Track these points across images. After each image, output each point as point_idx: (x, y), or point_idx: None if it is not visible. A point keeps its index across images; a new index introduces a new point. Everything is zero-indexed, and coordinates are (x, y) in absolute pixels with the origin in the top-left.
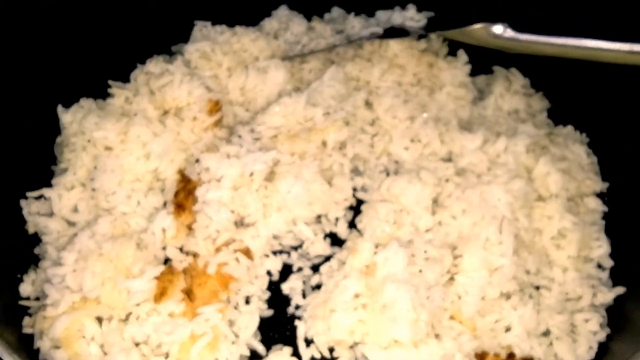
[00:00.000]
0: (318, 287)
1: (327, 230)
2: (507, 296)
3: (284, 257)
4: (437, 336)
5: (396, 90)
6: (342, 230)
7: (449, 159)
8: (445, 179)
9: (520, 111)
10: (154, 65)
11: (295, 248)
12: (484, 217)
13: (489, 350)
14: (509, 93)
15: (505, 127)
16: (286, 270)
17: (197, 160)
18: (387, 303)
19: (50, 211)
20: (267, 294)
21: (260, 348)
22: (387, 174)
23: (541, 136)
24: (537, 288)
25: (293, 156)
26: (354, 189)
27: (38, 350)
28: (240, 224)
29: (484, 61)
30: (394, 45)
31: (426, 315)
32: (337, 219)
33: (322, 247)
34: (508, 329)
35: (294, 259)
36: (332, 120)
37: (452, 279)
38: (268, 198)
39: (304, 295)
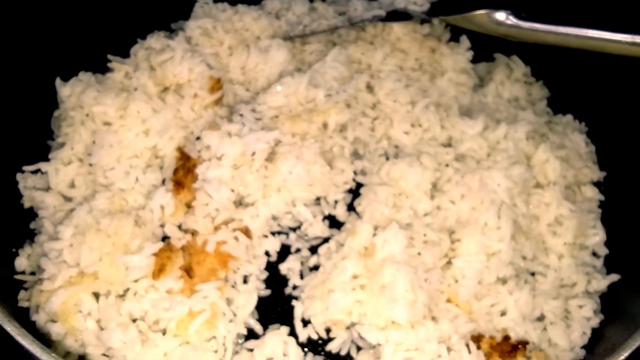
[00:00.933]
0: (316, 268)
1: (326, 213)
2: (503, 281)
3: (283, 237)
4: (433, 318)
5: (398, 74)
6: (341, 212)
7: (449, 144)
8: (445, 164)
9: (520, 99)
10: (155, 40)
11: (294, 229)
12: (483, 201)
13: (484, 333)
14: (510, 81)
15: (506, 115)
16: (284, 251)
17: (198, 138)
18: (386, 284)
19: (46, 186)
20: (265, 274)
21: (258, 327)
22: (387, 158)
23: (541, 124)
24: (533, 274)
25: (294, 137)
26: (354, 173)
27: (34, 323)
28: (239, 203)
29: (486, 48)
30: (397, 29)
31: (424, 297)
32: (336, 202)
33: (320, 229)
34: (503, 313)
35: (293, 240)
36: (334, 102)
37: (449, 262)
38: (268, 178)
39: (301, 276)
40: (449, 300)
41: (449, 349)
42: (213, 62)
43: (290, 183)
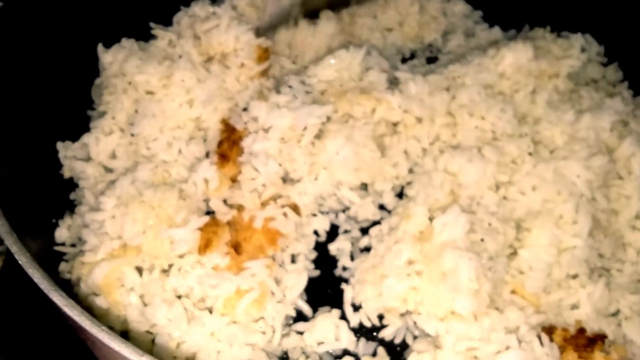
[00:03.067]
0: (367, 249)
1: (372, 200)
2: (574, 276)
3: (332, 217)
4: (497, 309)
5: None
6: (388, 201)
7: (522, 134)
8: (516, 155)
9: (598, 81)
10: (200, 8)
11: (343, 210)
12: (560, 192)
13: (556, 325)
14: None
15: (589, 101)
16: (333, 231)
17: (245, 109)
18: (447, 271)
19: (87, 156)
20: (314, 254)
21: (307, 309)
22: (441, 151)
23: (628, 113)
24: (607, 270)
25: (344, 116)
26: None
27: (75, 296)
28: (285, 179)
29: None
30: None
31: (488, 287)
32: (383, 191)
33: (371, 211)
34: (575, 307)
35: (342, 221)
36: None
37: (514, 253)
38: (314, 156)
39: (352, 258)
40: (513, 292)
41: (519, 341)
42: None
43: (335, 164)
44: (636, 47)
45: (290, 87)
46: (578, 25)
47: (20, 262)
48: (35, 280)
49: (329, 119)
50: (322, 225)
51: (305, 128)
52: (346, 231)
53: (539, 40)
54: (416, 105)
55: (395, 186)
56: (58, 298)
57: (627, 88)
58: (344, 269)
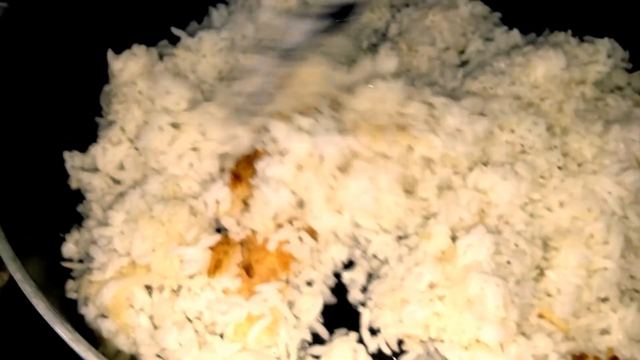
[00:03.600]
0: (384, 265)
1: (395, 237)
2: (605, 299)
3: (350, 249)
4: (523, 334)
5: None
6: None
7: (552, 147)
8: (545, 169)
9: (624, 88)
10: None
11: (359, 246)
12: (590, 210)
13: (587, 352)
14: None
15: (616, 111)
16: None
17: (266, 128)
18: (472, 297)
19: (94, 166)
20: (332, 280)
21: (324, 332)
22: (470, 168)
23: None
24: (639, 292)
25: (374, 152)
26: None
27: (82, 317)
28: (300, 205)
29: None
30: None
31: (516, 315)
32: (407, 226)
33: (392, 247)
34: (605, 332)
35: (357, 257)
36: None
37: (541, 274)
38: (334, 190)
39: (369, 277)
40: (540, 316)
41: None
42: None
43: (354, 206)
44: None
45: (318, 111)
46: (599, 29)
47: (24, 291)
48: (40, 311)
49: (356, 154)
50: (340, 255)
51: (321, 157)
52: (362, 258)
53: (563, 45)
54: (460, 143)
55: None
56: (64, 332)
57: None
58: (362, 289)
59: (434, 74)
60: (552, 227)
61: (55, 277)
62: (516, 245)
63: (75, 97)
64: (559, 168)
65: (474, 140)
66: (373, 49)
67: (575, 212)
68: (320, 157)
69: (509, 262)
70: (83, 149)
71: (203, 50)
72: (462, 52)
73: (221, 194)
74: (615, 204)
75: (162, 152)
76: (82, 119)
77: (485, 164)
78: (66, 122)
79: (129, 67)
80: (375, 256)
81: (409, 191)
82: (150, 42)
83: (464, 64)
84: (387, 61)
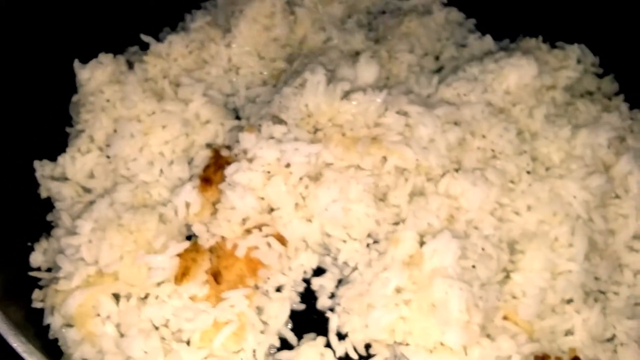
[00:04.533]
0: (353, 271)
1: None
2: (569, 300)
3: (319, 257)
4: (488, 336)
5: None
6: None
7: (521, 152)
8: (514, 174)
9: (594, 93)
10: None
11: (329, 254)
12: (556, 214)
13: (549, 353)
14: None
15: (585, 115)
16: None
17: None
18: (437, 302)
19: (64, 175)
20: (301, 286)
21: (292, 337)
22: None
23: (625, 128)
24: (603, 293)
25: (346, 164)
26: None
27: (47, 326)
28: (269, 210)
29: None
30: None
31: (479, 318)
32: (377, 234)
33: (358, 254)
34: (569, 333)
35: (328, 264)
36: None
37: (507, 276)
38: (304, 199)
39: (337, 283)
40: (505, 318)
41: None
42: None
43: (323, 216)
44: (632, 58)
45: (291, 120)
46: (571, 35)
47: None
48: None
49: (329, 164)
50: (310, 262)
51: (288, 165)
52: (332, 265)
53: (534, 51)
54: (432, 154)
55: (389, 227)
56: (18, 344)
57: (623, 101)
58: (330, 296)
59: (410, 81)
60: (519, 231)
61: (23, 287)
62: (483, 249)
63: (46, 107)
64: (528, 172)
65: (447, 149)
66: (354, 56)
67: (542, 215)
68: (287, 165)
69: (474, 266)
70: (54, 158)
71: (174, 54)
72: (437, 58)
73: (191, 196)
74: (581, 208)
75: (133, 159)
76: (53, 128)
77: (457, 170)
78: (37, 132)
79: (96, 76)
80: (346, 263)
81: (381, 199)
82: (120, 50)
83: (439, 69)
84: (368, 70)
